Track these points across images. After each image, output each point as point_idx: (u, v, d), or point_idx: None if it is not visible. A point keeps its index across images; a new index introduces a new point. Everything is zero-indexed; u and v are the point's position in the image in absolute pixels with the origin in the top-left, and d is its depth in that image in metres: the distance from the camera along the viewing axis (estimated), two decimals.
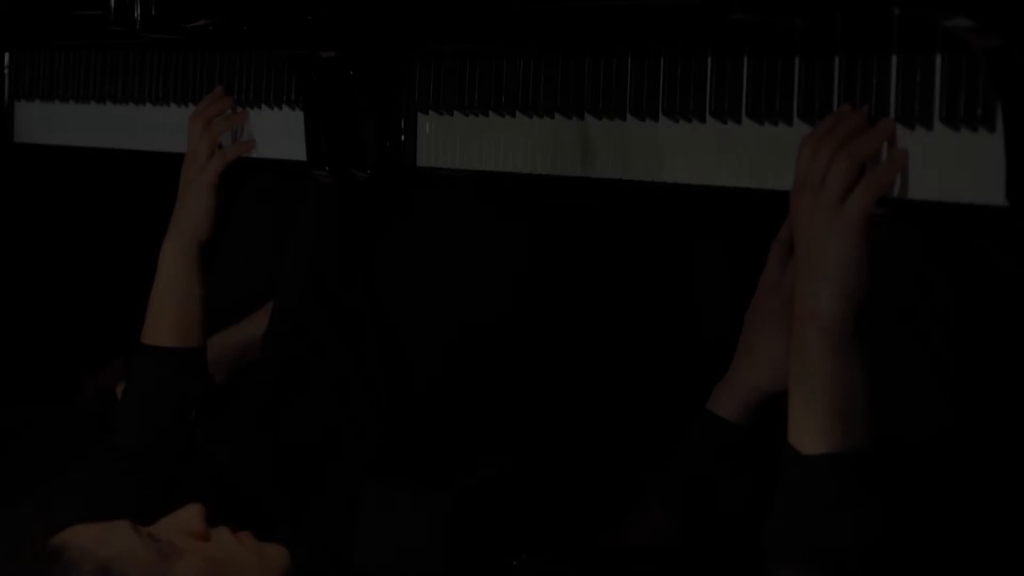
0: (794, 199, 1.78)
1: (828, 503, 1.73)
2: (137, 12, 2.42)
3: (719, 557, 2.16)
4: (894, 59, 1.80)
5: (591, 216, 2.65)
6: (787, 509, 1.76)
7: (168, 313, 2.42)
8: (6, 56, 3.18)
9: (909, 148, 1.79)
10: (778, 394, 2.08)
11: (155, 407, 2.39)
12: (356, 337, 2.63)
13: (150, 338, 2.43)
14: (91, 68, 2.99)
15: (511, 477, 2.79)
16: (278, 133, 2.55)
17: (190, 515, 1.94)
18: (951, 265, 2.00)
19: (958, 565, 1.94)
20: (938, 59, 1.76)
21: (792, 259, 2.02)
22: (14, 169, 3.37)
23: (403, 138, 2.33)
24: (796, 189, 1.78)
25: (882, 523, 1.73)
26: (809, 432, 1.75)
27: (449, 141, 2.28)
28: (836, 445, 1.73)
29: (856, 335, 1.76)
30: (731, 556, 2.15)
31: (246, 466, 2.65)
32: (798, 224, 1.77)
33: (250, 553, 1.93)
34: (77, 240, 3.62)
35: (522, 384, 2.86)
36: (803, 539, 1.73)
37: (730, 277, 2.66)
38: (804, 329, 1.76)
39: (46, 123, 3.10)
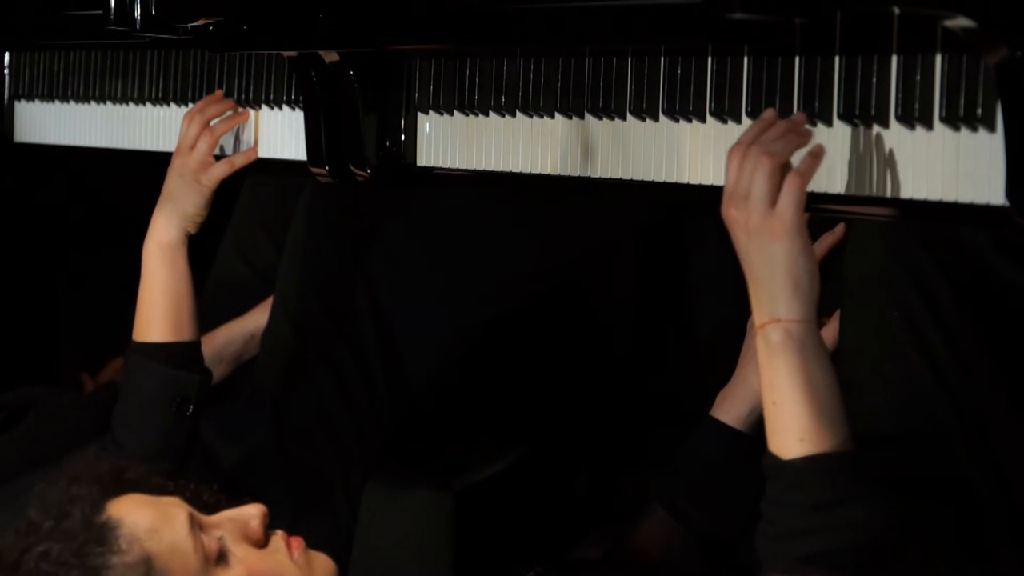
0: (725, 212, 1.76)
1: (816, 505, 1.72)
2: (137, 12, 2.42)
3: (724, 562, 2.16)
4: (894, 59, 1.80)
5: (591, 216, 2.65)
6: (776, 516, 1.75)
7: (159, 308, 2.41)
8: (6, 56, 3.18)
9: (910, 148, 1.79)
10: None
11: (154, 403, 2.38)
12: (355, 336, 2.62)
13: (143, 335, 2.42)
14: (91, 68, 2.98)
15: (511, 477, 2.79)
16: (278, 133, 2.55)
17: (251, 516, 1.92)
18: (950, 265, 2.00)
19: (952, 561, 1.94)
20: (938, 59, 1.76)
21: None
22: (14, 169, 3.37)
23: (403, 138, 2.33)
24: (725, 202, 1.76)
25: (873, 520, 1.72)
26: (787, 437, 1.74)
27: (449, 141, 2.28)
28: (816, 446, 1.73)
29: (818, 332, 1.75)
30: (736, 561, 2.15)
31: (247, 464, 2.65)
32: (736, 237, 1.76)
33: (295, 569, 1.90)
34: (76, 240, 3.62)
35: (521, 384, 2.87)
36: (795, 544, 1.73)
37: (731, 277, 2.66)
38: (768, 335, 1.74)
39: (46, 123, 3.10)
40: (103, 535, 1.81)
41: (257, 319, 2.81)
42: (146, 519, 1.84)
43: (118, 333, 2.48)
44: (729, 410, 2.13)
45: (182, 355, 2.41)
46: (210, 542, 1.86)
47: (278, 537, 1.93)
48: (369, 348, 2.62)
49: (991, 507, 1.96)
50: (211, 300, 2.87)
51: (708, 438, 2.14)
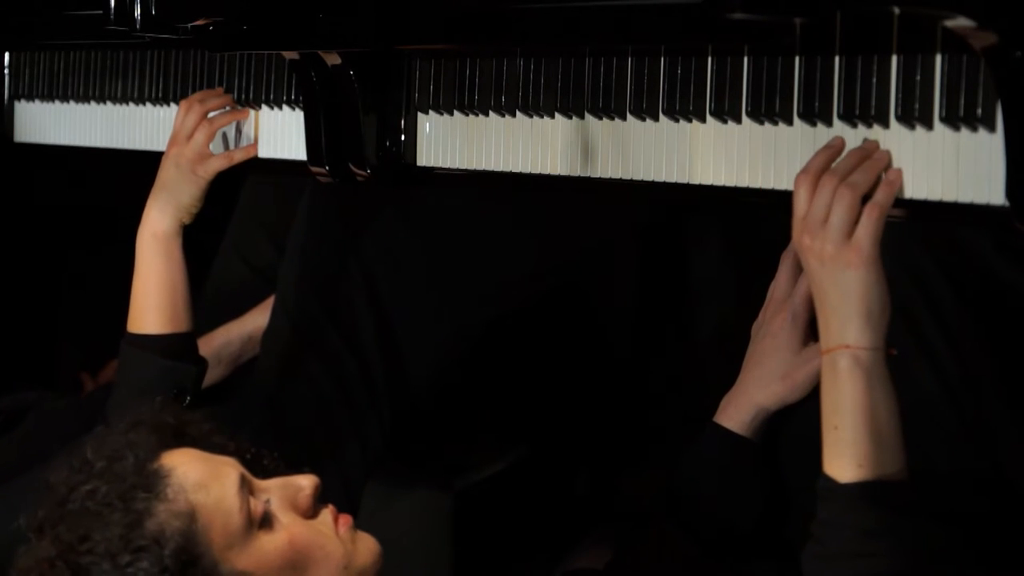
0: (798, 238, 1.79)
1: (870, 530, 1.74)
2: (137, 12, 2.42)
3: (728, 568, 2.15)
4: (894, 59, 1.80)
5: (591, 216, 2.65)
6: (827, 537, 1.77)
7: (154, 300, 2.40)
8: (6, 56, 3.18)
9: (910, 148, 1.79)
10: (786, 407, 2.08)
11: (150, 395, 2.37)
12: (355, 336, 2.62)
13: (137, 326, 2.41)
14: (91, 68, 2.98)
15: (511, 477, 2.79)
16: (278, 133, 2.54)
17: (302, 487, 1.91)
18: (950, 265, 2.00)
19: None
20: (938, 59, 1.76)
21: (802, 274, 2.02)
22: (14, 169, 3.37)
23: (403, 138, 2.33)
24: (798, 228, 1.79)
25: (923, 549, 1.74)
26: (845, 461, 1.76)
27: (449, 141, 2.28)
28: (874, 473, 1.75)
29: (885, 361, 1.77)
30: (739, 567, 2.15)
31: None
32: (810, 264, 1.79)
33: (340, 547, 1.90)
34: (76, 240, 3.62)
35: (521, 384, 2.86)
36: (845, 566, 1.75)
37: (731, 276, 2.66)
38: (836, 360, 1.77)
39: (46, 123, 3.10)
40: (152, 482, 1.82)
41: (255, 320, 2.81)
42: (197, 473, 1.84)
43: (118, 333, 2.48)
44: (733, 415, 2.12)
45: (178, 346, 2.41)
46: (257, 505, 1.86)
47: (327, 511, 1.93)
48: (369, 348, 2.62)
49: (993, 507, 1.96)
50: (211, 300, 2.87)
51: (711, 444, 2.14)
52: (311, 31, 2.23)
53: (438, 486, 2.66)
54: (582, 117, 2.11)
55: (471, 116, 2.25)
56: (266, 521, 1.86)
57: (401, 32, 2.14)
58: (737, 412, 2.12)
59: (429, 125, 2.31)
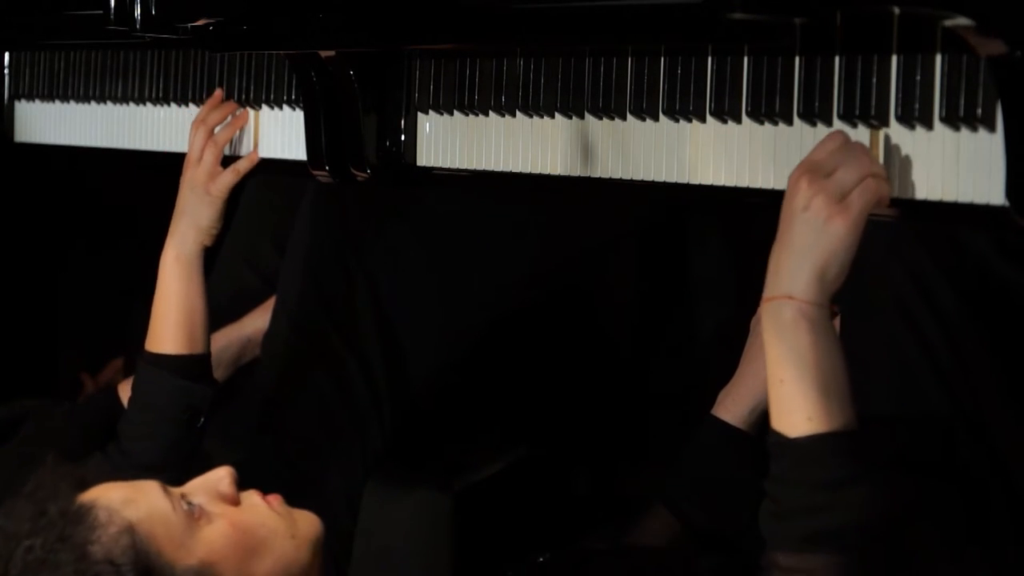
0: (796, 177, 1.75)
1: (822, 483, 1.71)
2: (137, 12, 2.42)
3: (726, 559, 2.16)
4: (894, 59, 1.80)
5: (591, 216, 2.65)
6: (781, 494, 1.74)
7: (173, 320, 2.43)
8: (6, 56, 3.18)
9: (910, 148, 1.79)
10: None
11: (164, 416, 2.39)
12: (356, 337, 2.63)
13: (155, 346, 2.43)
14: (91, 68, 2.98)
15: (511, 477, 2.80)
16: (278, 133, 2.55)
17: (220, 478, 1.92)
18: (950, 265, 2.00)
19: (952, 541, 1.94)
20: (938, 59, 1.76)
21: None
22: (14, 169, 3.37)
23: (403, 138, 2.33)
24: (801, 168, 1.76)
25: (878, 499, 1.71)
26: (795, 416, 1.73)
27: (449, 141, 2.29)
28: (823, 425, 1.72)
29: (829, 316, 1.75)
30: (737, 558, 2.15)
31: (246, 467, 2.65)
32: (793, 204, 1.74)
33: (280, 520, 1.92)
34: (77, 240, 3.62)
35: (522, 384, 2.87)
36: (800, 522, 1.72)
37: (731, 276, 2.66)
38: (780, 311, 1.73)
39: (46, 123, 3.10)
40: (81, 516, 1.81)
41: (254, 323, 2.81)
42: (119, 494, 1.85)
43: (118, 333, 2.48)
44: (731, 408, 2.13)
45: (193, 367, 2.43)
46: (185, 505, 1.87)
47: (252, 493, 1.94)
48: (370, 349, 2.62)
49: (994, 506, 1.96)
50: (212, 302, 2.87)
51: (709, 437, 2.14)
52: (311, 31, 2.23)
53: (438, 486, 2.66)
54: (582, 117, 2.11)
55: (471, 116, 2.25)
56: (202, 516, 1.87)
57: (401, 32, 2.14)
58: (735, 405, 2.12)
59: (429, 125, 2.31)
